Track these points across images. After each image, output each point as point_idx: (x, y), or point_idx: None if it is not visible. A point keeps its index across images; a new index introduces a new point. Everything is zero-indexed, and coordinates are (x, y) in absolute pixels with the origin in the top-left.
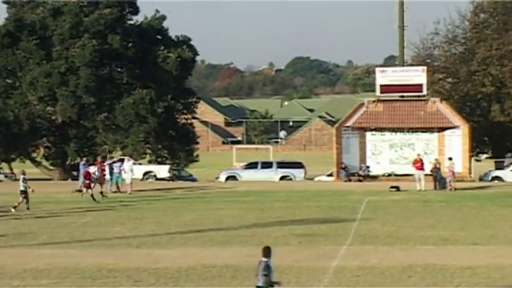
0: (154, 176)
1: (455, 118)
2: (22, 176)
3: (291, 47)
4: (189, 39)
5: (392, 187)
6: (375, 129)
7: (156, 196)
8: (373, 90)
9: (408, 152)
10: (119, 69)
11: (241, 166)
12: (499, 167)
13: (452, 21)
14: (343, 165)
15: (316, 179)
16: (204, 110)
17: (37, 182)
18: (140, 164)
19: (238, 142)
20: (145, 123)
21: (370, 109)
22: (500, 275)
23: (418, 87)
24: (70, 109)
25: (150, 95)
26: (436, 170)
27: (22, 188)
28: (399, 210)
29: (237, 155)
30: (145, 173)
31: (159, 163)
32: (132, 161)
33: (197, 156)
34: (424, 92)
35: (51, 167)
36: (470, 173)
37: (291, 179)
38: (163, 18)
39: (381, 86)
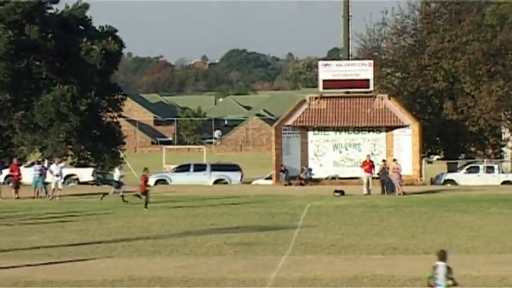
0: (77, 179)
1: (404, 116)
2: None
3: (226, 38)
4: (115, 30)
5: (336, 191)
6: (318, 129)
7: (79, 202)
8: (316, 86)
9: (354, 153)
10: (38, 63)
11: (172, 169)
12: (452, 169)
13: (401, 11)
14: (283, 168)
15: (254, 182)
16: (131, 108)
17: None
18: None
19: (169, 142)
20: (67, 122)
21: (313, 106)
22: None
23: (364, 83)
24: None
25: (72, 91)
26: (384, 172)
27: None
28: (344, 217)
29: (167, 157)
30: (67, 177)
31: (82, 165)
32: (62, 164)
33: (123, 158)
34: (371, 87)
35: None
36: (421, 175)
37: (226, 183)
38: (86, 7)
39: (324, 81)
